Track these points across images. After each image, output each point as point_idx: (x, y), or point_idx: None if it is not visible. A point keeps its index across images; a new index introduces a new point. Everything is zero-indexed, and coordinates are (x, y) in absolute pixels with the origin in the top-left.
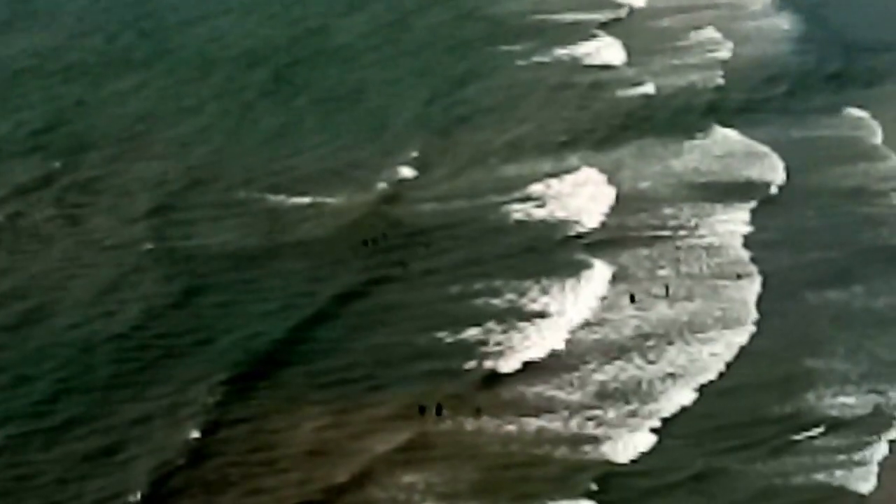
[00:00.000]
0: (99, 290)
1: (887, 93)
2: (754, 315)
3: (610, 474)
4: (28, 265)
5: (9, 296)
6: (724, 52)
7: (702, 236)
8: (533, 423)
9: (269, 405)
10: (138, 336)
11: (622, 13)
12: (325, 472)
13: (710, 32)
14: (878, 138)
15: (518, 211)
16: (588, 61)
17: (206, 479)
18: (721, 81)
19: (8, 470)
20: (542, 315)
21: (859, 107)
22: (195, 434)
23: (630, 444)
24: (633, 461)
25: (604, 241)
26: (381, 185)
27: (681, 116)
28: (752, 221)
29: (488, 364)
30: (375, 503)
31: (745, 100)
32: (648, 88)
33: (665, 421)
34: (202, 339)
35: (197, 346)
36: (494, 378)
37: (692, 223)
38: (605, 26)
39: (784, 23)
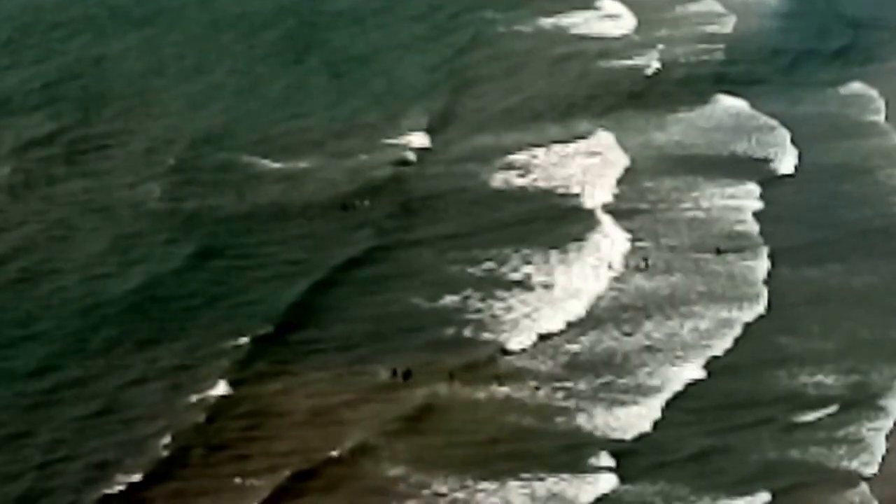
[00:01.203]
0: (102, 250)
1: (891, 68)
2: (761, 290)
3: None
4: (33, 222)
5: (13, 253)
6: (727, 26)
7: (708, 208)
8: (541, 394)
9: (270, 370)
10: (139, 299)
11: None
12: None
13: (710, 4)
14: (882, 115)
15: (523, 178)
16: (593, 30)
17: (209, 443)
18: (724, 55)
19: (10, 428)
20: (547, 286)
21: (863, 81)
22: (196, 398)
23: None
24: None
25: (615, 211)
26: (389, 151)
27: (686, 86)
28: (761, 195)
29: (500, 335)
30: (372, 471)
31: (750, 72)
32: (653, 58)
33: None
34: (206, 302)
35: (201, 309)
36: (503, 350)
37: (696, 195)
38: None
39: None
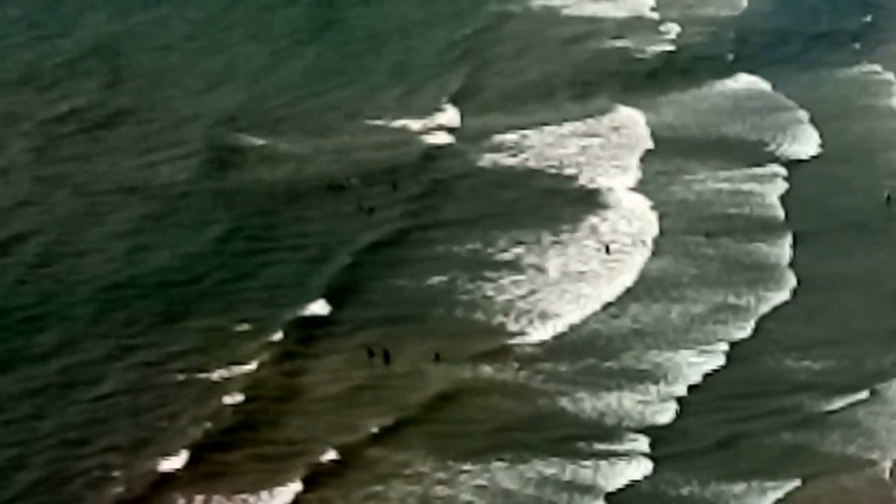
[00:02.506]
0: (124, 230)
1: None
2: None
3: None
4: (52, 202)
5: (37, 230)
6: (740, 8)
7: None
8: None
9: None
10: (164, 279)
11: None
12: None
13: None
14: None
15: (550, 156)
16: (611, 9)
17: (239, 423)
18: (740, 35)
19: (44, 405)
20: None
21: (878, 64)
22: (219, 375)
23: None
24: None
25: (641, 190)
26: (416, 128)
27: (706, 63)
28: (786, 177)
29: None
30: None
31: (768, 51)
32: (672, 35)
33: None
34: (231, 282)
35: (227, 290)
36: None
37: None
38: None
39: None
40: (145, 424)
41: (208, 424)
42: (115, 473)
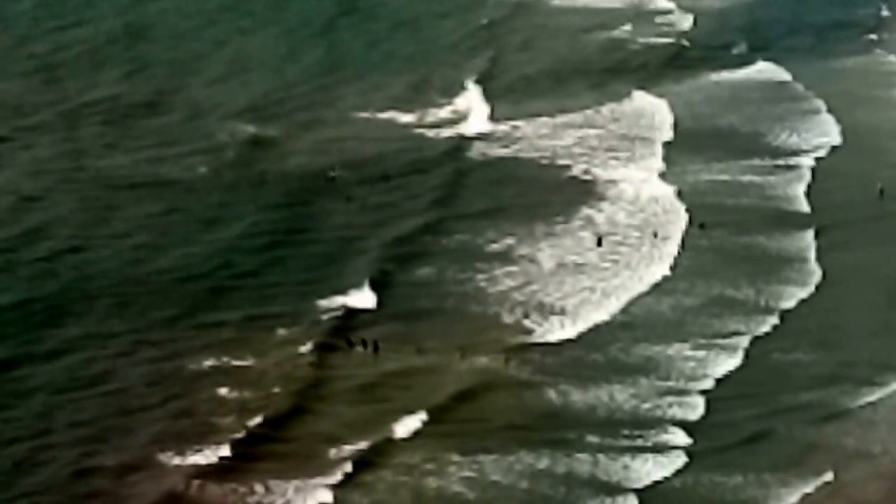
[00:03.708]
0: (145, 223)
1: None
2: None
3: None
4: (71, 195)
5: (58, 224)
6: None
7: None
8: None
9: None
10: (192, 273)
11: None
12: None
13: None
14: None
15: (576, 142)
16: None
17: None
18: (749, 24)
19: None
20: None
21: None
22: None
23: None
24: None
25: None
26: (443, 115)
27: (722, 52)
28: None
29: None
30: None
31: (783, 40)
32: (686, 25)
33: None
34: (259, 270)
35: (252, 278)
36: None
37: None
38: None
39: None
40: (177, 417)
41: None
42: (150, 467)
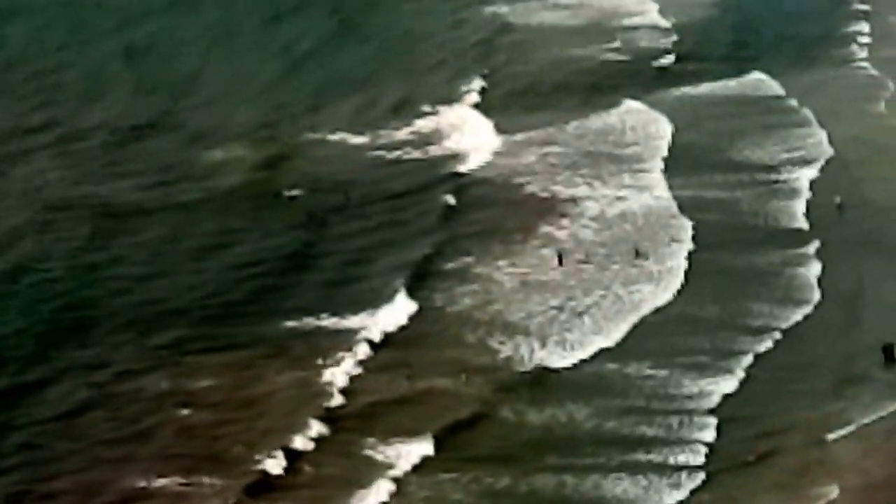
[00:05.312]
0: (140, 245)
1: None
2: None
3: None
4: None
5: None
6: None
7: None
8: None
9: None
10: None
11: None
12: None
13: None
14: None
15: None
16: (619, 12)
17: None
18: (736, 35)
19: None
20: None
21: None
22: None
23: None
24: None
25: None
26: (432, 132)
27: (711, 63)
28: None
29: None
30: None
31: (773, 52)
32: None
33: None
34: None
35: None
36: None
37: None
38: None
39: None
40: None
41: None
42: (156, 495)
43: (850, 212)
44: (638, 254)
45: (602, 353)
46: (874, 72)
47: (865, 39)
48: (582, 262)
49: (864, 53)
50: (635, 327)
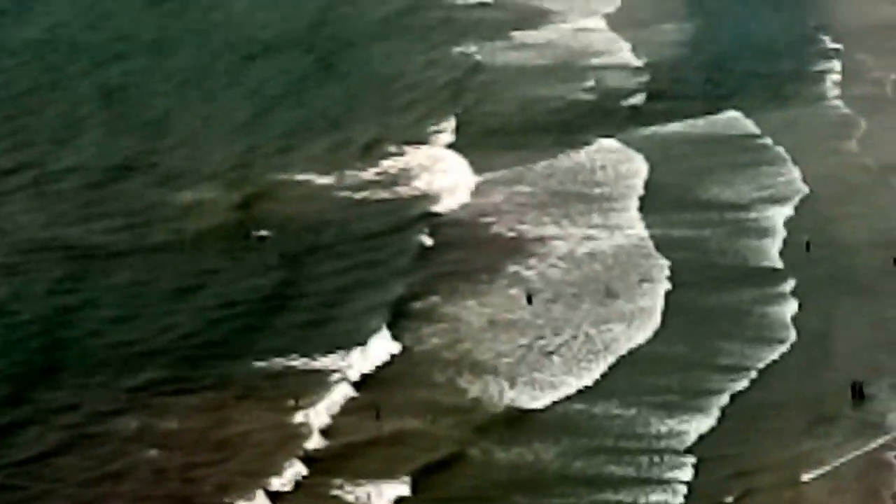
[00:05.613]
0: (114, 288)
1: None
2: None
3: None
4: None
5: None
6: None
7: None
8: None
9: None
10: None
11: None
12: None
13: (690, 30)
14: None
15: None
16: (586, 51)
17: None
18: (709, 74)
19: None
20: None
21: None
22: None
23: None
24: None
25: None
26: (404, 171)
27: (683, 101)
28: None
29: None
30: None
31: (745, 90)
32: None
33: None
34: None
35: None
36: None
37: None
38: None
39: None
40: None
41: None
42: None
43: (823, 250)
44: (609, 292)
45: (578, 393)
46: (846, 110)
47: (837, 77)
48: (551, 302)
49: (836, 91)
50: (610, 367)
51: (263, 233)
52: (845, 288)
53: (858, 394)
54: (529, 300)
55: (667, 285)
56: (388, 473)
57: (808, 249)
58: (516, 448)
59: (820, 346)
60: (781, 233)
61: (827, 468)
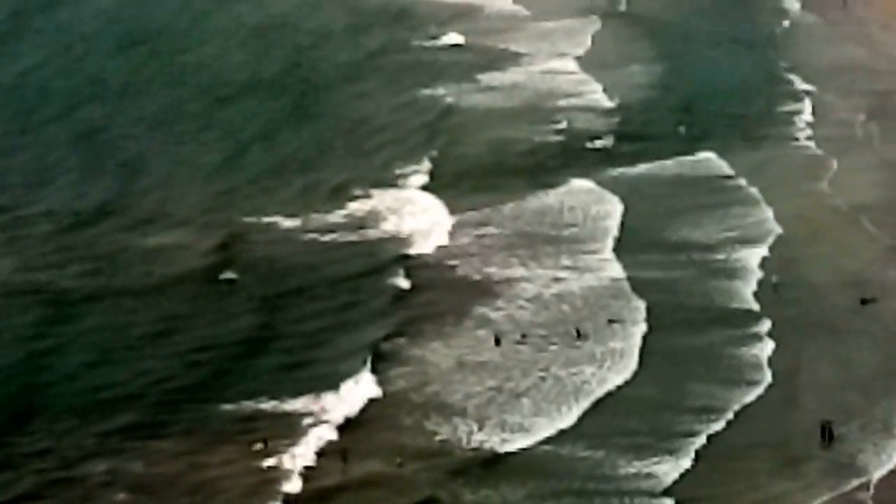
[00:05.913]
0: (90, 333)
1: (842, 134)
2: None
3: None
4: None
5: None
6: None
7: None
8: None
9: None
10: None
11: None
12: None
13: (660, 71)
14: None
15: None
16: (558, 92)
17: None
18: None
19: None
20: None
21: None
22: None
23: None
24: None
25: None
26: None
27: (657, 141)
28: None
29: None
30: None
31: (717, 130)
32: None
33: None
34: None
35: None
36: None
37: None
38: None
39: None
40: None
41: None
42: None
43: (795, 291)
44: (579, 334)
45: (554, 436)
46: (817, 151)
47: (808, 118)
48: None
49: (807, 132)
50: (585, 411)
51: (231, 275)
52: (821, 329)
53: (828, 435)
54: (497, 341)
55: (643, 326)
56: None
57: (775, 290)
58: (484, 491)
59: (792, 386)
60: (756, 273)
61: None
